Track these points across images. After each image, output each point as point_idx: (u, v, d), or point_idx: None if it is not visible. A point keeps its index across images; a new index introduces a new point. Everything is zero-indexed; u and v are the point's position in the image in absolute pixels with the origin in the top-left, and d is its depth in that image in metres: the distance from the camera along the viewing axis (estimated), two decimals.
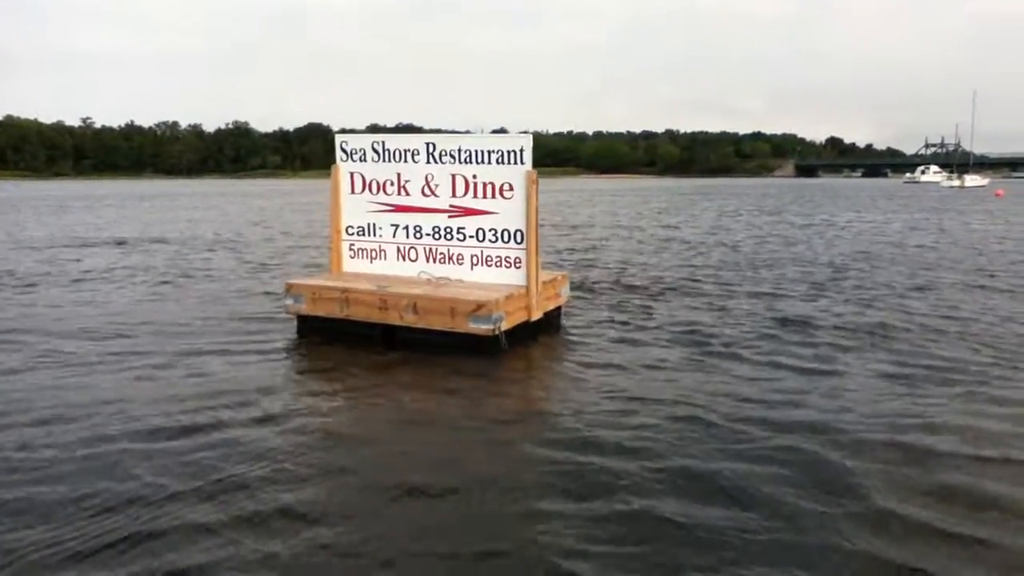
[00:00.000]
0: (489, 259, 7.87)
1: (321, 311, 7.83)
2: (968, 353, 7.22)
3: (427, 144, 8.07)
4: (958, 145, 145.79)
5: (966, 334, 8.06)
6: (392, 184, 8.27)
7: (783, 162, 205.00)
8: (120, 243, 18.96)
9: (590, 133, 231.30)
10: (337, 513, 4.00)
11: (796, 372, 6.63)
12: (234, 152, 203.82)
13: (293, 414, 5.60)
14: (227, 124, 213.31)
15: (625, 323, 8.71)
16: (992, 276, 12.43)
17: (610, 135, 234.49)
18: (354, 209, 8.50)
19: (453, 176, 7.94)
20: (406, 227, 8.26)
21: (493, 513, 4.02)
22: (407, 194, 8.21)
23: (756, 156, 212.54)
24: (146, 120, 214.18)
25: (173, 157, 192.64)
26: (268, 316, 9.06)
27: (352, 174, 8.46)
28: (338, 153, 8.54)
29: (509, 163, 7.67)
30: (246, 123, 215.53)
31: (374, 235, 8.44)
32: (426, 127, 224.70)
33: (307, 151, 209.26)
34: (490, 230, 7.83)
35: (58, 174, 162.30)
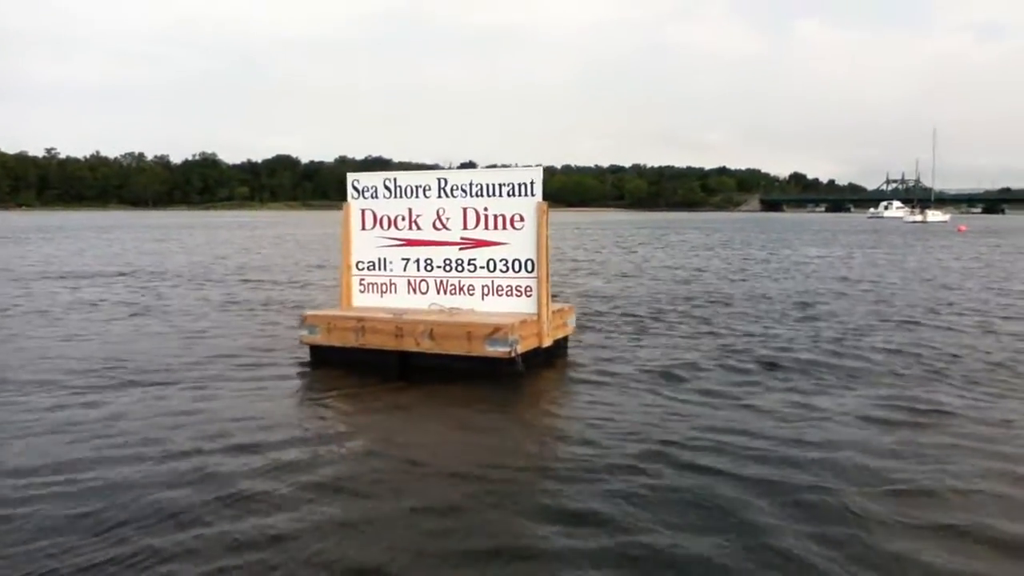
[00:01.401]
0: (500, 288, 8.15)
1: (336, 341, 8.04)
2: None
3: (439, 179, 8.38)
4: (918, 181, 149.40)
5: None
6: (403, 219, 8.54)
7: (748, 196, 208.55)
8: (123, 274, 18.98)
9: (558, 167, 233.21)
10: (347, 527, 4.20)
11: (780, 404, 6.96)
12: (202, 183, 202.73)
13: (311, 439, 5.81)
14: (194, 155, 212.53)
15: (630, 352, 8.98)
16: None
17: (578, 169, 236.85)
18: (364, 245, 8.75)
19: (464, 209, 8.24)
20: (417, 260, 8.52)
21: (501, 534, 4.17)
22: (418, 228, 8.49)
23: (722, 191, 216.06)
24: (112, 151, 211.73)
25: (139, 188, 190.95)
26: (275, 347, 9.23)
27: (363, 211, 8.72)
28: (349, 191, 8.82)
29: (520, 195, 8.00)
30: (214, 154, 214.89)
31: (384, 269, 8.68)
32: (395, 160, 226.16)
33: (275, 183, 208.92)
34: (501, 260, 8.12)
35: (22, 204, 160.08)
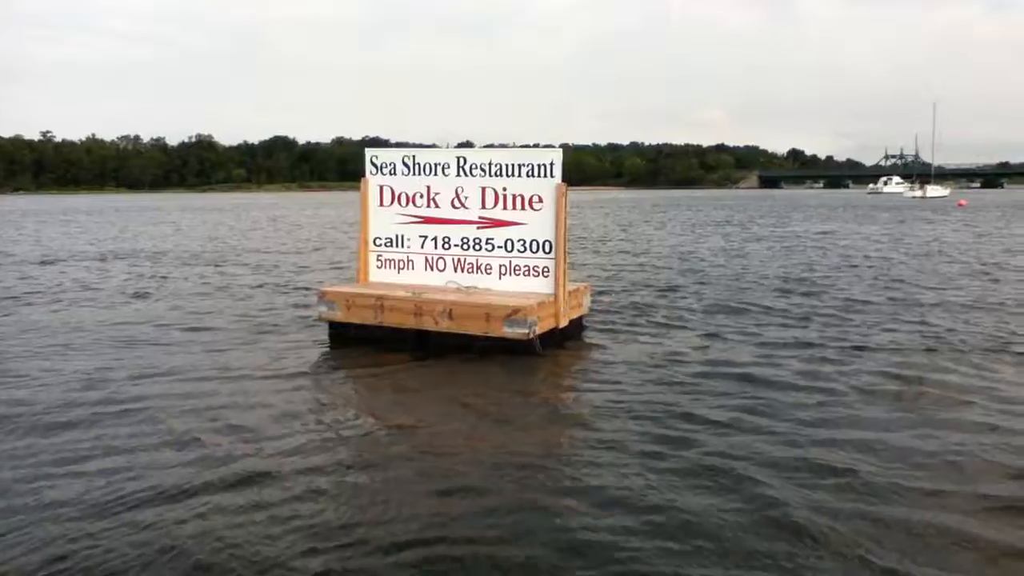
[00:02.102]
0: (517, 268, 8.20)
1: (355, 318, 8.10)
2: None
3: (458, 158, 8.41)
4: (916, 156, 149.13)
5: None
6: (422, 196, 8.58)
7: (747, 174, 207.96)
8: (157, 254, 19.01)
9: (556, 145, 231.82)
10: (373, 505, 4.28)
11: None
12: (198, 166, 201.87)
13: (332, 415, 5.89)
14: (190, 137, 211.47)
15: (643, 331, 9.05)
16: None
17: (576, 147, 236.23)
18: (382, 221, 8.79)
19: (483, 189, 8.28)
20: (435, 238, 8.56)
21: (519, 507, 4.24)
22: (436, 206, 8.53)
23: (720, 168, 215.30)
24: (108, 133, 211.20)
25: (136, 171, 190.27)
26: (296, 324, 9.29)
27: (381, 187, 8.76)
28: (367, 167, 8.83)
29: (540, 176, 8.03)
30: (210, 136, 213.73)
31: (402, 246, 8.73)
32: (392, 140, 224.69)
33: (272, 164, 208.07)
34: (519, 240, 8.16)
35: (18, 189, 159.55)
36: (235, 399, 6.22)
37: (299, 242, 24.03)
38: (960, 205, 55.65)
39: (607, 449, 5.10)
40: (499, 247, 8.27)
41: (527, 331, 7.41)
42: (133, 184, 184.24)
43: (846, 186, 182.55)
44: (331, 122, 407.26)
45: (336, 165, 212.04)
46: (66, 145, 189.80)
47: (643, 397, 6.26)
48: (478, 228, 8.35)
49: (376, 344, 7.91)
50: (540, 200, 8.05)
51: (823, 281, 13.21)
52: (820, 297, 11.37)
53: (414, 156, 8.66)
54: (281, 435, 5.38)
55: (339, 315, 8.19)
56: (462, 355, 7.57)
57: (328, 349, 8.07)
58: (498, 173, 8.22)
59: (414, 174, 8.62)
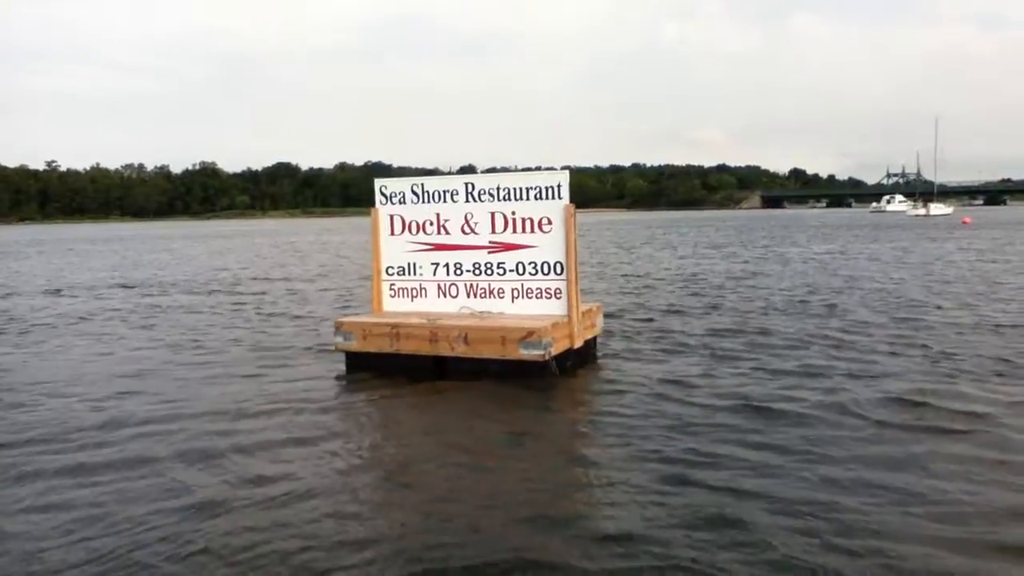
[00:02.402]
0: (530, 291, 8.26)
1: (371, 347, 8.16)
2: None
3: (466, 184, 8.50)
4: (918, 174, 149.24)
5: None
6: (432, 224, 8.66)
7: (749, 194, 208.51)
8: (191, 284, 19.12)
9: (558, 167, 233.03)
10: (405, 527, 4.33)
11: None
12: (202, 193, 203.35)
13: (354, 441, 5.94)
14: (194, 165, 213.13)
15: (654, 353, 9.09)
16: None
17: (578, 169, 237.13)
18: (394, 250, 8.87)
19: (492, 213, 8.36)
20: (446, 264, 8.63)
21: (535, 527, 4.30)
22: (447, 232, 8.61)
23: (722, 188, 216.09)
24: (112, 162, 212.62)
25: (140, 199, 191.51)
26: (312, 352, 9.37)
27: (391, 216, 8.84)
28: (377, 197, 8.93)
29: (548, 199, 8.12)
30: (213, 163, 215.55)
31: (414, 274, 8.79)
32: (395, 165, 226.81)
33: (276, 190, 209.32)
34: (530, 263, 8.23)
35: (24, 218, 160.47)
36: (258, 429, 6.27)
37: (307, 269, 24.14)
38: (964, 223, 55.65)
39: (621, 483, 4.96)
40: (511, 270, 8.34)
41: (543, 352, 7.46)
42: (138, 212, 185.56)
43: (848, 205, 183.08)
44: (333, 148, 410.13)
45: (339, 190, 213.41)
46: (71, 175, 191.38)
47: (658, 424, 6.16)
48: (489, 252, 8.43)
49: (393, 372, 7.96)
50: (549, 222, 8.13)
51: (831, 303, 13.14)
52: (829, 320, 11.27)
53: (422, 184, 8.75)
54: (305, 461, 5.44)
55: (355, 345, 8.25)
56: (479, 379, 7.60)
57: (345, 379, 8.11)
58: (507, 197, 8.30)
59: (423, 202, 8.71)
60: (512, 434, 6.06)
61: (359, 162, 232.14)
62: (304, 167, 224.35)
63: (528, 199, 8.20)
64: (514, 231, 8.29)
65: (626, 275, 19.63)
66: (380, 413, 6.88)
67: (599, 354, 8.84)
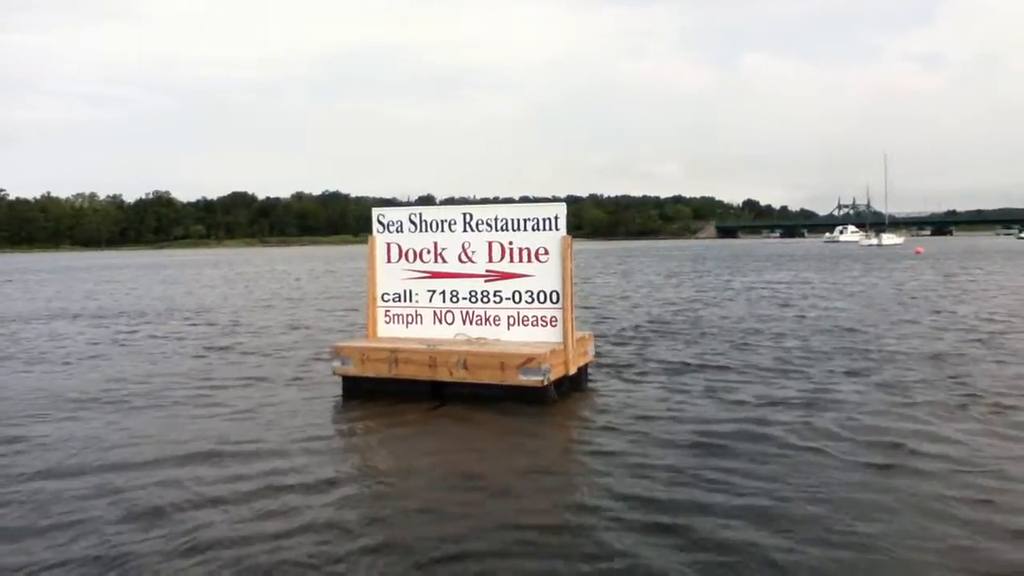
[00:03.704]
0: (526, 319, 8.47)
1: (370, 371, 8.29)
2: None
3: (464, 214, 8.72)
4: (868, 205, 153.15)
5: None
6: (429, 252, 8.86)
7: (705, 224, 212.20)
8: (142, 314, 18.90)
9: (516, 198, 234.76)
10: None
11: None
12: (156, 222, 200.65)
13: (354, 464, 6.07)
14: (148, 194, 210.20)
15: (640, 377, 9.35)
16: None
17: (536, 199, 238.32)
18: (390, 277, 9.04)
19: (490, 243, 8.58)
20: (443, 292, 8.82)
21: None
22: (444, 261, 8.80)
23: (678, 219, 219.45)
24: (63, 191, 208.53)
25: (92, 229, 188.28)
26: (309, 378, 9.44)
27: (388, 244, 9.02)
28: (375, 225, 9.11)
29: (545, 229, 8.38)
30: (167, 192, 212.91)
31: (410, 301, 8.96)
32: (352, 195, 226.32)
33: (231, 220, 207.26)
34: (527, 291, 8.45)
35: None
36: (260, 459, 6.34)
37: (278, 298, 24.04)
38: (918, 252, 57.23)
39: (615, 514, 4.99)
40: (507, 298, 8.54)
41: (541, 378, 7.67)
42: (89, 242, 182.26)
43: (802, 235, 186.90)
44: (290, 177, 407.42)
45: (295, 220, 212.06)
46: (20, 203, 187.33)
47: (647, 452, 6.28)
48: (486, 281, 8.63)
49: (389, 396, 8.09)
50: (546, 252, 8.37)
51: (803, 332, 13.40)
52: (804, 349, 11.47)
53: (420, 214, 8.96)
54: (307, 485, 5.56)
55: (352, 369, 8.37)
56: (476, 404, 7.76)
57: (342, 403, 8.22)
58: (504, 227, 8.53)
59: (421, 231, 8.91)
60: (509, 461, 6.18)
61: (316, 191, 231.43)
62: (260, 196, 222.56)
63: (526, 230, 8.44)
64: (511, 260, 8.51)
65: (599, 306, 19.90)
66: (378, 437, 6.97)
67: (591, 380, 9.06)
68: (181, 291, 28.12)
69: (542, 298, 8.41)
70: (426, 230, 8.89)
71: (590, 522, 4.81)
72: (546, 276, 8.38)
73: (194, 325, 16.24)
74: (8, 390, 9.26)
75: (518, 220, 8.48)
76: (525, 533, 4.62)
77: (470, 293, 8.71)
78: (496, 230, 8.57)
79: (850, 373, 9.30)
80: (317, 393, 8.67)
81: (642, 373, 9.59)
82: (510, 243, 8.51)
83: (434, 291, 8.87)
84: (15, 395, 8.93)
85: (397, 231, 9.01)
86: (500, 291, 8.58)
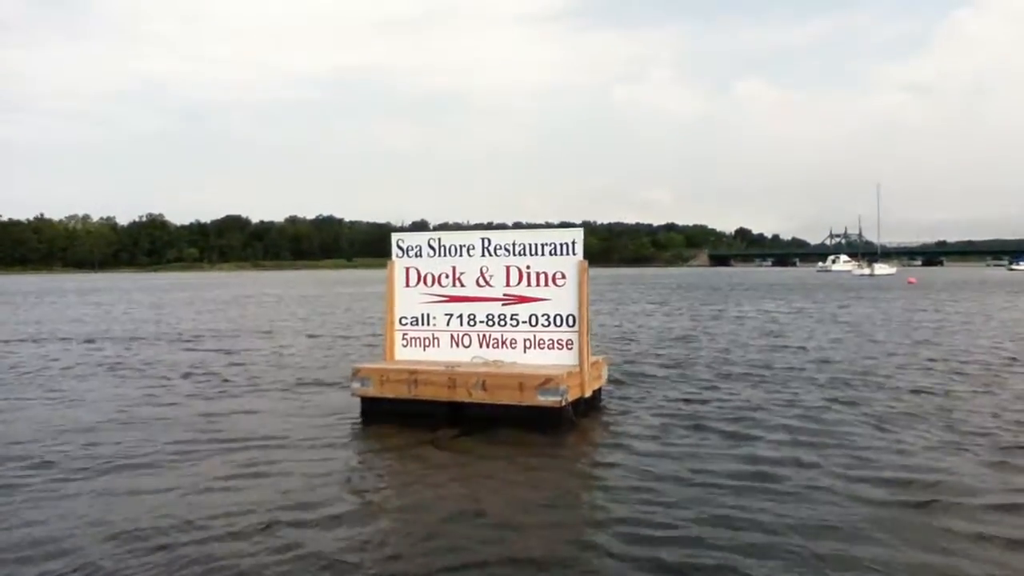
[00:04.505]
0: (542, 342, 8.65)
1: (388, 392, 8.44)
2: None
3: (482, 239, 8.93)
4: (860, 235, 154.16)
5: None
6: (447, 276, 9.05)
7: (697, 252, 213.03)
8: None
9: (510, 224, 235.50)
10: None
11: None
12: (149, 245, 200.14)
13: (376, 488, 6.20)
14: (141, 216, 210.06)
15: (649, 402, 9.51)
16: None
17: (529, 226, 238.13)
18: (408, 301, 9.22)
19: (508, 267, 8.79)
20: (460, 315, 9.00)
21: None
22: (462, 285, 8.99)
23: (671, 246, 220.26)
24: (56, 213, 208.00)
25: (85, 251, 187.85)
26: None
27: (407, 269, 9.21)
28: (393, 250, 9.31)
29: (562, 254, 8.59)
30: (161, 215, 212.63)
31: (428, 324, 9.14)
32: (346, 220, 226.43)
33: (224, 243, 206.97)
34: (543, 315, 8.64)
35: None
36: (276, 470, 6.47)
37: (280, 322, 24.16)
38: (910, 283, 57.51)
39: (645, 524, 5.26)
40: (524, 322, 8.72)
41: (559, 399, 7.82)
42: (81, 263, 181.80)
43: (794, 264, 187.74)
44: (284, 201, 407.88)
45: (289, 244, 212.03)
46: (13, 224, 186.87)
47: (666, 465, 6.59)
48: (503, 304, 8.81)
49: (408, 418, 8.22)
50: (563, 276, 8.57)
51: (807, 364, 13.26)
52: (811, 382, 11.21)
53: (439, 239, 9.16)
54: (327, 504, 5.70)
55: (372, 391, 8.52)
56: (495, 425, 7.87)
57: (361, 425, 8.34)
58: (522, 252, 8.74)
59: (439, 256, 9.10)
60: (530, 480, 6.36)
61: (310, 215, 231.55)
62: (254, 220, 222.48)
63: (543, 254, 8.65)
64: (528, 284, 8.71)
65: (602, 329, 20.08)
66: (395, 461, 7.08)
67: (604, 403, 9.22)
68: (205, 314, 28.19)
69: (559, 321, 8.59)
70: (445, 255, 9.08)
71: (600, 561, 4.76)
72: (563, 300, 8.57)
73: (226, 352, 16.34)
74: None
75: (536, 245, 8.69)
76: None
77: (487, 316, 8.88)
78: (514, 254, 8.77)
79: (872, 414, 9.48)
80: (333, 414, 8.80)
81: (648, 402, 9.67)
82: (528, 267, 8.71)
83: (451, 315, 9.04)
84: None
85: (416, 255, 9.20)
86: (517, 314, 8.76)
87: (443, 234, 9.24)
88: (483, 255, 8.92)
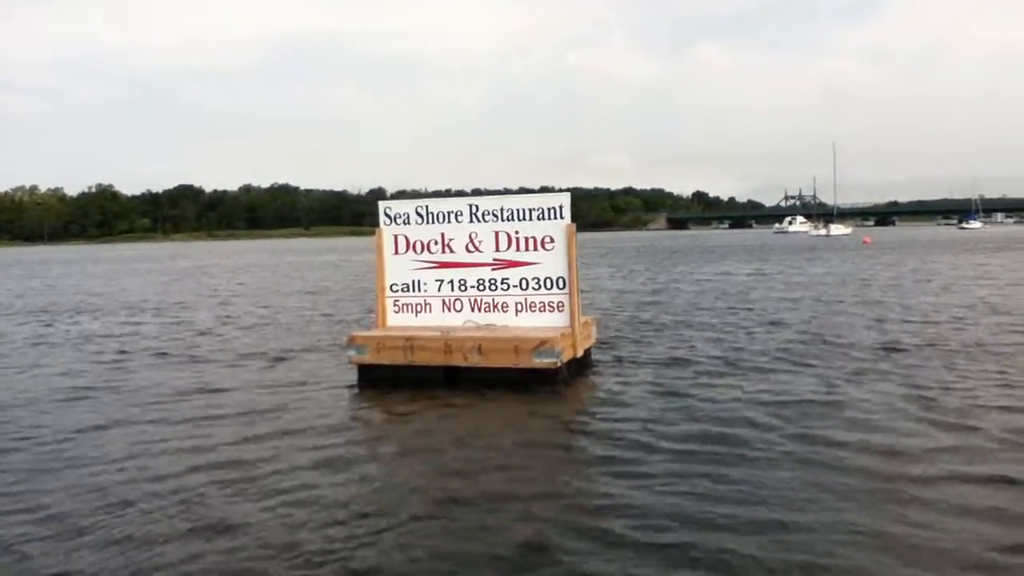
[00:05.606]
0: (533, 305, 8.84)
1: (385, 359, 8.57)
2: None
3: (470, 206, 9.05)
4: (814, 196, 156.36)
5: None
6: (436, 243, 9.16)
7: (656, 216, 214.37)
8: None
9: (468, 191, 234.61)
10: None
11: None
12: (100, 216, 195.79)
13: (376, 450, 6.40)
14: (91, 187, 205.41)
15: (636, 359, 9.79)
16: None
17: (488, 192, 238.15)
18: (398, 268, 9.32)
19: (496, 233, 8.93)
20: (451, 281, 9.13)
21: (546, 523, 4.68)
22: (451, 251, 9.12)
23: (630, 211, 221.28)
24: (2, 184, 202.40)
25: (33, 222, 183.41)
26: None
27: (396, 236, 9.30)
28: (381, 218, 9.39)
29: (550, 219, 8.76)
30: (111, 186, 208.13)
31: (419, 290, 9.25)
32: (301, 187, 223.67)
33: (178, 213, 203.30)
34: (533, 279, 8.82)
35: None
36: (284, 451, 6.43)
37: (255, 291, 24.04)
38: (865, 243, 58.64)
39: (645, 472, 5.50)
40: (514, 286, 8.88)
41: (555, 360, 8.04)
42: (29, 236, 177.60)
43: (750, 226, 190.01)
44: (238, 170, 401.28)
45: (244, 213, 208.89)
46: None
47: (660, 415, 6.97)
48: (493, 269, 8.96)
49: (404, 383, 8.37)
50: (552, 240, 8.74)
51: (792, 320, 13.89)
52: (806, 338, 11.78)
53: (427, 206, 9.26)
54: (334, 481, 5.64)
55: (368, 358, 8.64)
56: (490, 388, 8.06)
57: (357, 391, 8.45)
58: (510, 218, 8.89)
59: (428, 223, 9.20)
60: (526, 439, 6.50)
61: (265, 184, 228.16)
62: (208, 189, 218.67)
63: (531, 219, 8.81)
64: (518, 249, 8.87)
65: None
66: (399, 422, 7.25)
67: (595, 362, 9.47)
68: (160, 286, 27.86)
69: (549, 284, 8.78)
70: (432, 222, 9.18)
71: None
72: (552, 263, 8.75)
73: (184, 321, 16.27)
74: None
75: (524, 210, 8.84)
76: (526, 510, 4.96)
77: (478, 281, 9.03)
78: (502, 220, 8.91)
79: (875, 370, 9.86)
80: (328, 381, 8.92)
81: (636, 363, 9.94)
82: (516, 232, 8.86)
83: (442, 280, 9.17)
84: None
85: (404, 223, 9.29)
86: (508, 279, 8.92)
87: (430, 201, 9.33)
88: (471, 221, 9.04)
